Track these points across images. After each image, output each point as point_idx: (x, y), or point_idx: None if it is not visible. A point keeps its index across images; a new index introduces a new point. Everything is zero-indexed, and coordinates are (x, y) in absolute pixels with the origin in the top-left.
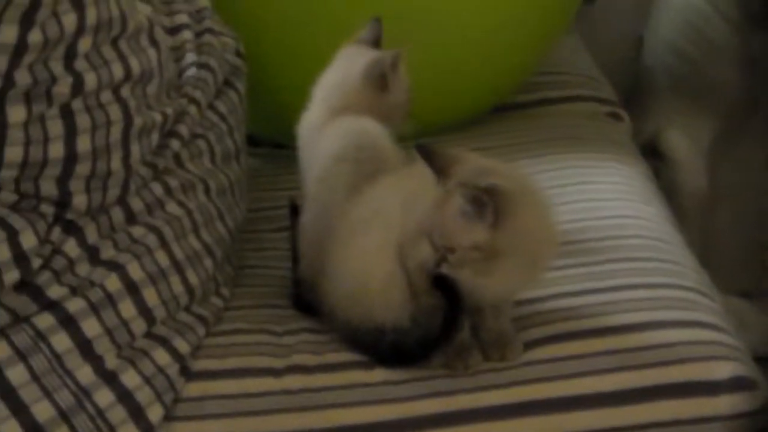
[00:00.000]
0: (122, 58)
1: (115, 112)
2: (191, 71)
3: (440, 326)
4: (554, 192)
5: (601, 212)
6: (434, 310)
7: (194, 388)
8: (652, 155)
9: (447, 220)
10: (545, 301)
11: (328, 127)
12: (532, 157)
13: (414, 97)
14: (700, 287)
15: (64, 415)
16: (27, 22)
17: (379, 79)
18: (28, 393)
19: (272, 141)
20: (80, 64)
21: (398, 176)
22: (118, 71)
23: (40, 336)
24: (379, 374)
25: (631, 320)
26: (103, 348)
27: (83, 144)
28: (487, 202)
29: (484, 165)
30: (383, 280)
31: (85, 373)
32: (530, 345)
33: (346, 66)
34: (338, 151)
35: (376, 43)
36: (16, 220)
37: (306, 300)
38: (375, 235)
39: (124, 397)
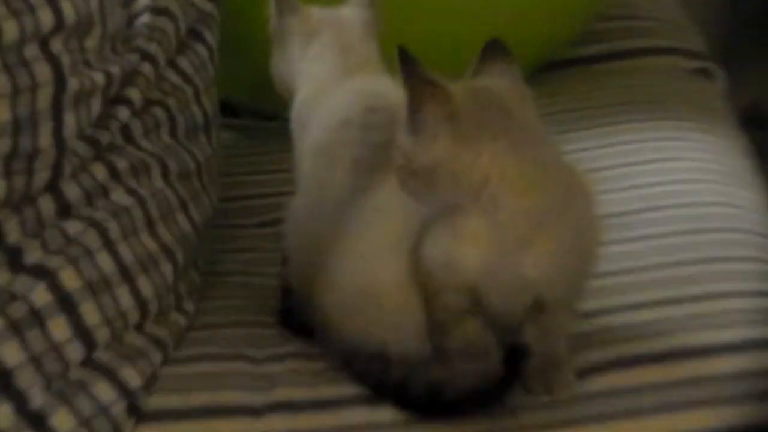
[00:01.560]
0: (51, 2)
1: (42, 71)
2: (145, 18)
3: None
4: (623, 171)
5: (682, 198)
6: (463, 351)
7: None
8: (754, 124)
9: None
10: (605, 316)
11: (331, 89)
12: (596, 127)
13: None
14: None
15: None
16: None
17: None
18: None
19: (254, 110)
20: None
21: None
22: (46, 19)
23: None
24: (387, 414)
25: (719, 339)
26: (27, 381)
27: (1, 113)
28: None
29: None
30: (393, 287)
31: (2, 415)
32: (586, 372)
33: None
34: (342, 115)
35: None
36: None
37: (295, 316)
38: (389, 228)
39: None
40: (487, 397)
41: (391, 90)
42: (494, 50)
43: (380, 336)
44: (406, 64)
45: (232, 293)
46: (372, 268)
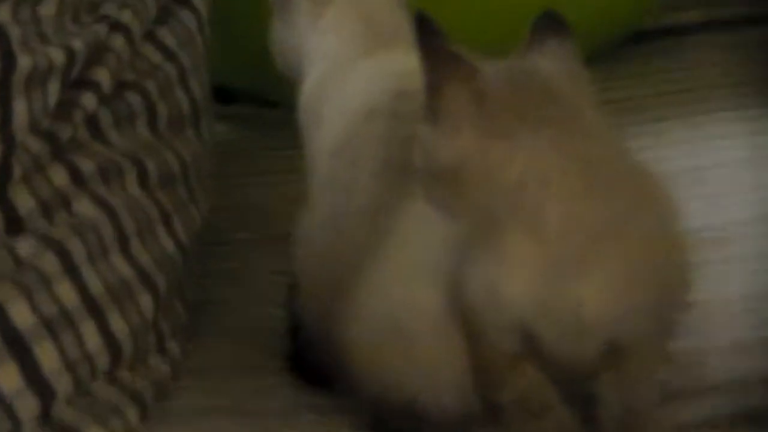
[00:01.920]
0: None
1: None
2: None
3: None
4: (716, 173)
5: None
6: (519, 408)
7: None
8: None
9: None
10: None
11: (351, 69)
12: (687, 116)
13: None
14: None
15: None
16: None
17: None
18: None
19: (256, 94)
20: None
21: None
22: None
23: None
24: None
25: None
26: None
27: None
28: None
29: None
30: (431, 322)
31: None
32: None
33: None
34: (365, 102)
35: None
36: None
37: (308, 358)
38: (430, 246)
39: None
40: None
41: None
42: (547, 24)
43: (414, 384)
44: (425, 34)
45: (227, 330)
46: (406, 296)
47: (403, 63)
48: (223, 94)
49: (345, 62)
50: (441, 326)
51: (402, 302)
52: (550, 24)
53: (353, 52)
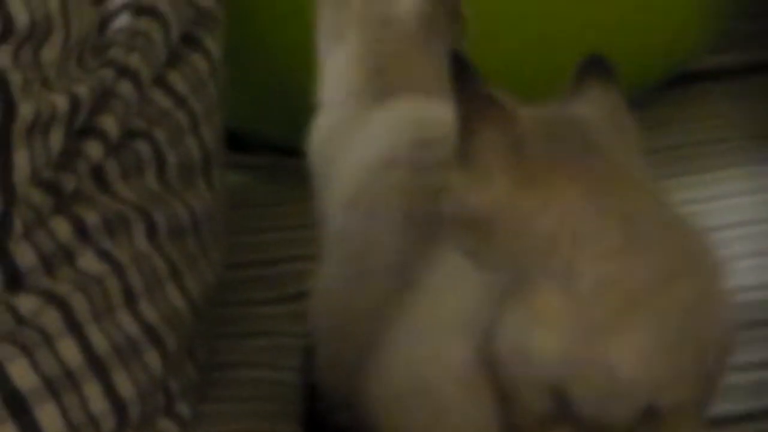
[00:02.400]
0: None
1: None
2: (123, 20)
3: None
4: (763, 229)
5: None
6: None
7: None
8: None
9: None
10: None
11: (365, 117)
12: (729, 167)
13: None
14: None
15: None
16: None
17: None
18: None
19: (272, 142)
20: None
21: None
22: None
23: None
24: None
25: None
26: None
27: None
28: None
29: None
30: (460, 382)
31: None
32: None
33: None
34: (383, 151)
35: None
36: None
37: (326, 424)
38: (458, 304)
39: None
40: None
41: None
42: (593, 69)
43: None
44: (459, 75)
45: (240, 393)
46: (433, 353)
47: (423, 109)
48: (237, 142)
49: (357, 109)
50: (470, 385)
51: (428, 360)
52: (596, 69)
53: (365, 99)
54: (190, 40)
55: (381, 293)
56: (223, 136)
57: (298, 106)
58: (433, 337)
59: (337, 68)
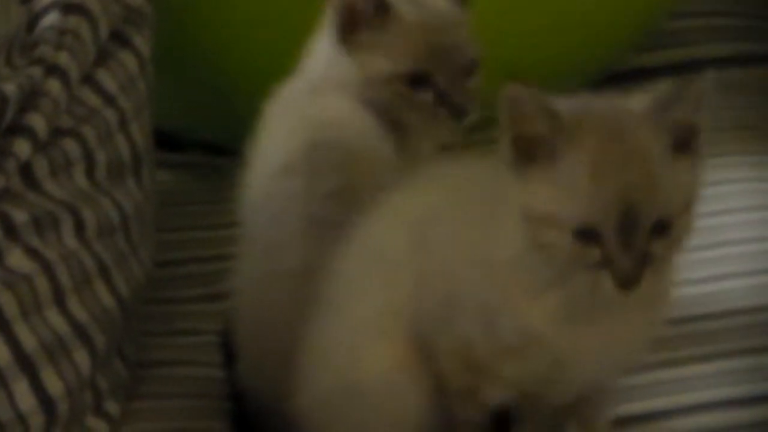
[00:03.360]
0: None
1: None
2: (51, 18)
3: None
4: (707, 223)
5: None
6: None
7: None
8: None
9: (653, 177)
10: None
11: (273, 120)
12: None
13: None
14: None
15: None
16: None
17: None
18: None
19: (204, 141)
20: None
21: (403, 196)
22: None
23: None
24: None
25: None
26: None
27: None
28: None
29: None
30: (383, 374)
31: None
32: None
33: None
34: (281, 157)
35: None
36: None
37: (255, 424)
38: (369, 304)
39: None
40: None
41: (347, 116)
42: None
43: None
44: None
45: (170, 390)
46: (357, 358)
47: (324, 111)
48: (168, 140)
49: (271, 112)
50: (394, 379)
51: (350, 363)
52: None
53: (284, 100)
54: (118, 38)
55: (291, 299)
56: (153, 134)
57: (231, 105)
58: (353, 343)
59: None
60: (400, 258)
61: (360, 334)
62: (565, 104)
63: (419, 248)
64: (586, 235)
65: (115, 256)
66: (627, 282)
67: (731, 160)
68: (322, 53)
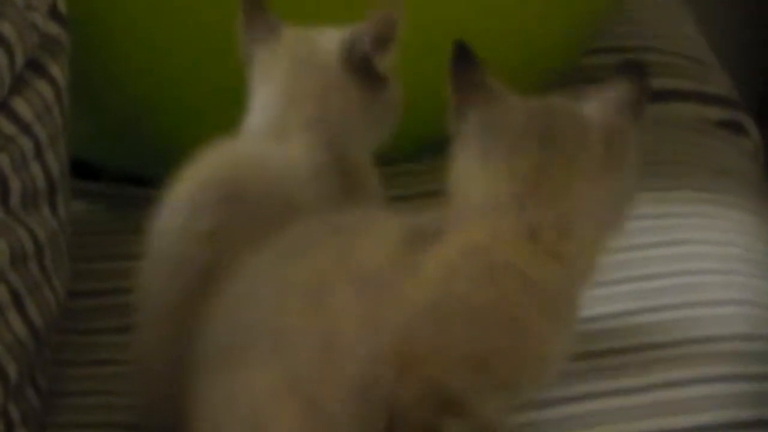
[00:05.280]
0: None
1: None
2: None
3: None
4: (617, 258)
5: (692, 295)
6: None
7: None
8: None
9: None
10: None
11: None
12: None
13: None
14: None
15: None
16: None
17: (361, 65)
18: None
19: (121, 170)
20: None
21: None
22: None
23: None
24: None
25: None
26: None
27: None
28: None
29: None
30: (277, 404)
31: None
32: None
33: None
34: (173, 195)
35: None
36: None
37: None
38: (267, 369)
39: None
40: None
41: (269, 159)
42: (627, 71)
43: None
44: (458, 62)
45: (85, 420)
46: (261, 421)
47: (236, 150)
48: (83, 169)
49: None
50: (282, 407)
51: (241, 392)
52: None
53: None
54: (35, 67)
55: (161, 339)
56: (68, 163)
57: (147, 136)
58: (252, 414)
59: (258, 104)
60: (295, 326)
61: (257, 406)
62: None
63: (323, 313)
64: None
65: (29, 285)
66: None
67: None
68: None
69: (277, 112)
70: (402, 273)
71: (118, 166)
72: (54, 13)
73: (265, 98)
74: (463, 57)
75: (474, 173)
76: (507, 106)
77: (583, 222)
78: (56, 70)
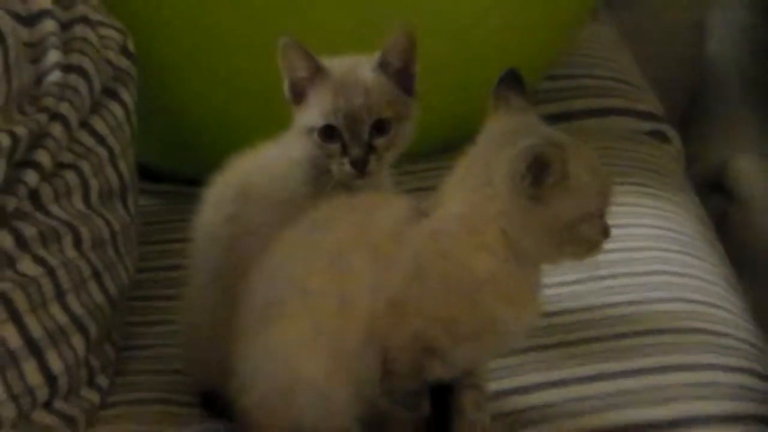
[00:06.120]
0: None
1: None
2: (55, 76)
3: None
4: None
5: (629, 267)
6: (413, 405)
7: None
8: (718, 191)
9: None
10: (543, 390)
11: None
12: None
13: None
14: (760, 369)
15: None
16: None
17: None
18: None
19: (179, 175)
20: None
21: (316, 233)
22: None
23: None
24: None
25: (662, 415)
26: None
27: None
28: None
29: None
30: (315, 380)
31: None
32: None
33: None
34: (211, 197)
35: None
36: None
37: (217, 401)
38: (295, 327)
39: None
40: None
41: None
42: (511, 83)
43: (310, 427)
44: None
45: (149, 368)
46: (290, 368)
47: (248, 159)
48: (149, 173)
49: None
50: (321, 385)
51: (285, 372)
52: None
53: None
54: (109, 93)
55: (214, 305)
56: (137, 167)
57: (196, 147)
58: (286, 356)
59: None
60: (320, 287)
61: (291, 349)
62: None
63: (341, 276)
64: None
65: (106, 264)
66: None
67: None
68: None
69: None
70: (398, 244)
71: (175, 170)
72: (124, 51)
73: None
74: (509, 80)
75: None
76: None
77: (518, 230)
78: (126, 96)
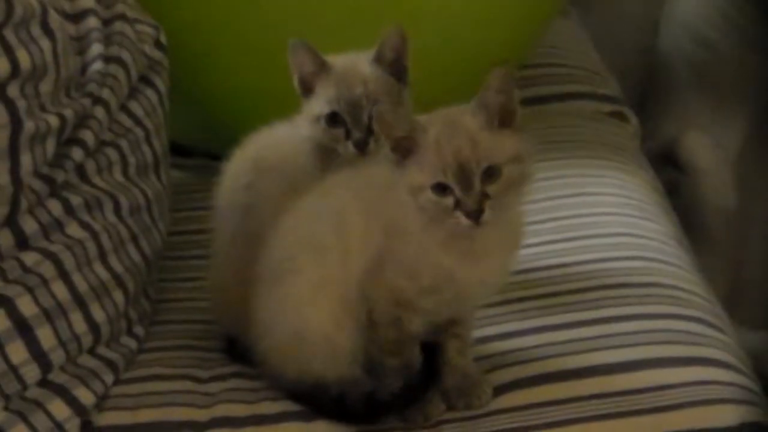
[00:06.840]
0: (8, 50)
1: (0, 114)
2: (97, 65)
3: (405, 380)
4: (542, 205)
5: (593, 229)
6: (396, 351)
7: None
8: (670, 164)
9: (475, 142)
10: (519, 337)
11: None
12: None
13: None
14: (708, 318)
15: None
16: None
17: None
18: None
19: (206, 151)
20: None
21: (322, 196)
22: (3, 66)
23: None
24: (320, 427)
25: (622, 358)
26: None
27: None
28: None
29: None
30: (323, 326)
31: None
32: (501, 390)
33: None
34: (232, 170)
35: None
36: None
37: (238, 346)
38: (305, 279)
39: None
40: (412, 398)
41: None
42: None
43: (319, 370)
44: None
45: (179, 319)
46: (302, 316)
47: (263, 135)
48: (181, 149)
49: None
50: (329, 331)
51: (297, 320)
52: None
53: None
54: (144, 80)
55: (241, 260)
56: (169, 145)
57: (221, 126)
58: (298, 304)
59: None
60: (326, 242)
61: (302, 299)
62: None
63: (342, 232)
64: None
65: (142, 228)
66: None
67: (560, 163)
68: None
69: None
70: (382, 206)
71: (201, 147)
72: (158, 44)
73: None
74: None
75: None
76: None
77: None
78: (159, 83)
